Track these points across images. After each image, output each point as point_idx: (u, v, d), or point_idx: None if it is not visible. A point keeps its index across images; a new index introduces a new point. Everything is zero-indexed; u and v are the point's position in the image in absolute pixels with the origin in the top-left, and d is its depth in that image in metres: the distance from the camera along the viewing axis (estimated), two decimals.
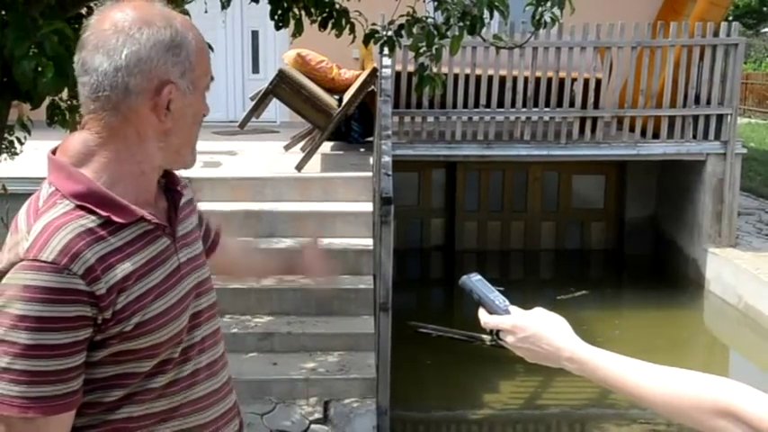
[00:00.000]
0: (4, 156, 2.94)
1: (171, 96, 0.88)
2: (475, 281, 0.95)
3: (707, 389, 0.77)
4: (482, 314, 0.93)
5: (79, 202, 0.87)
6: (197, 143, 0.96)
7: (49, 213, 0.86)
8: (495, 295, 0.93)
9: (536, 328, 0.88)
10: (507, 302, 0.92)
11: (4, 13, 2.02)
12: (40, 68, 1.78)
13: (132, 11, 0.88)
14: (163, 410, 0.92)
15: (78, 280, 0.83)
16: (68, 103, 2.77)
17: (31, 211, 0.88)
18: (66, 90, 2.17)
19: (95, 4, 1.37)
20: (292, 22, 3.05)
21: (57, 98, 2.71)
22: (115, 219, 0.87)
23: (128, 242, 0.88)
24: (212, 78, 0.95)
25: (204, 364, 0.96)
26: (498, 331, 0.91)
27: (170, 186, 0.98)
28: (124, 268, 0.86)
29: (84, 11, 2.29)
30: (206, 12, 3.05)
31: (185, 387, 0.93)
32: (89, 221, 0.86)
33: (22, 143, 3.09)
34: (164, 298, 0.90)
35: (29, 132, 2.97)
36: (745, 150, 5.48)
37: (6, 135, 2.85)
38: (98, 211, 0.86)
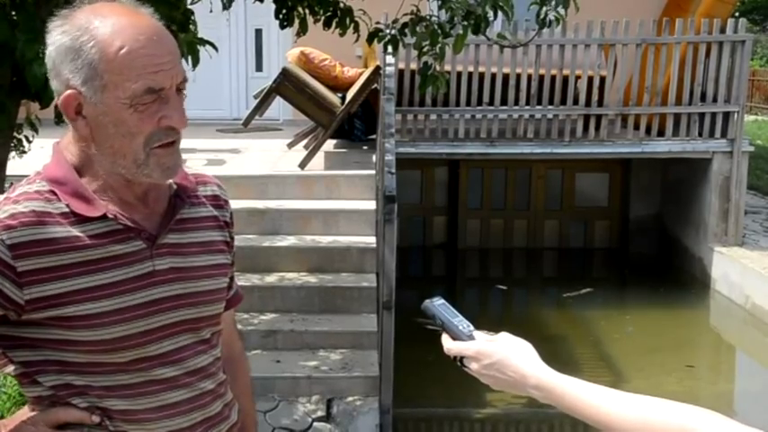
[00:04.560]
0: (13, 154, 2.95)
1: (80, 102, 0.87)
2: (438, 305, 0.91)
3: (675, 416, 0.76)
4: (445, 340, 0.90)
5: (51, 187, 0.89)
6: (145, 156, 0.88)
7: (19, 189, 0.90)
8: (458, 320, 0.90)
9: (501, 355, 0.86)
10: (472, 327, 0.90)
11: (14, 14, 2.02)
12: None
13: (70, 12, 0.89)
14: (120, 410, 0.90)
15: (3, 248, 0.84)
16: None
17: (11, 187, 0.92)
18: None
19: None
20: (297, 21, 3.05)
21: None
22: (75, 210, 0.88)
23: (89, 235, 0.88)
24: (157, 90, 0.86)
25: (182, 372, 0.94)
26: (462, 358, 0.88)
27: (179, 194, 0.97)
28: (68, 258, 0.87)
29: None
30: (211, 11, 3.06)
31: (152, 392, 0.91)
32: (51, 207, 0.88)
33: (30, 141, 3.10)
34: (117, 298, 0.88)
35: (36, 131, 2.98)
36: (751, 148, 5.45)
37: (15, 133, 2.86)
38: (62, 199, 0.88)
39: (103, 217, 0.89)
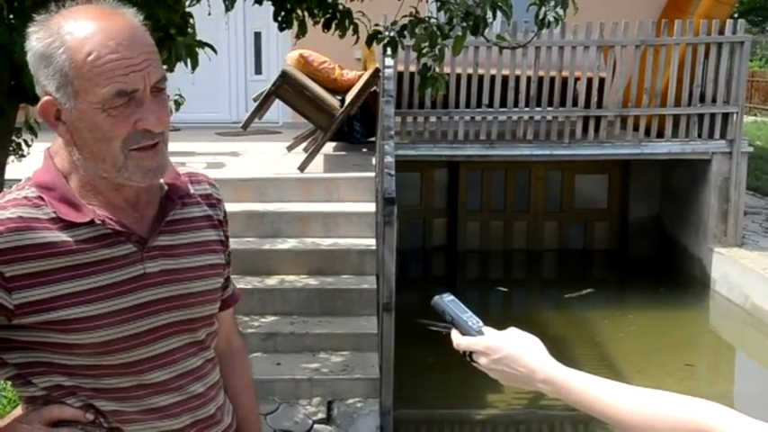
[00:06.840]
0: (12, 158, 2.95)
1: (57, 107, 0.87)
2: (447, 301, 0.92)
3: (688, 411, 0.76)
4: (455, 335, 0.90)
5: (40, 192, 0.90)
6: (126, 159, 0.87)
7: (8, 195, 0.90)
8: (468, 316, 0.91)
9: (510, 350, 0.86)
10: (480, 323, 0.90)
11: (12, 17, 2.02)
12: None
13: (46, 17, 0.88)
14: (110, 410, 0.90)
15: None
16: None
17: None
18: None
19: None
20: (296, 24, 3.05)
21: None
22: (62, 215, 0.88)
23: (77, 240, 0.88)
24: (129, 92, 0.85)
25: (173, 375, 0.93)
26: (471, 353, 0.88)
27: (170, 195, 0.97)
28: (55, 262, 0.87)
29: None
30: (209, 14, 3.06)
31: (140, 396, 0.91)
32: (39, 212, 0.88)
33: (29, 145, 3.11)
34: (106, 301, 0.88)
35: (36, 135, 2.98)
36: (751, 149, 5.46)
37: (14, 137, 2.87)
38: (49, 204, 0.89)
39: (91, 222, 0.89)
